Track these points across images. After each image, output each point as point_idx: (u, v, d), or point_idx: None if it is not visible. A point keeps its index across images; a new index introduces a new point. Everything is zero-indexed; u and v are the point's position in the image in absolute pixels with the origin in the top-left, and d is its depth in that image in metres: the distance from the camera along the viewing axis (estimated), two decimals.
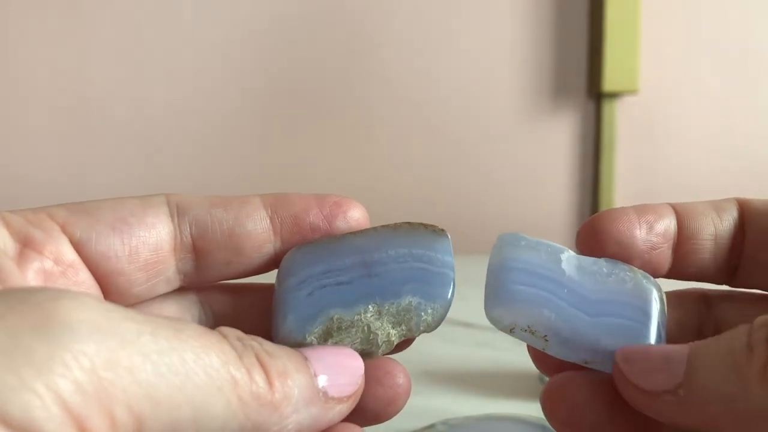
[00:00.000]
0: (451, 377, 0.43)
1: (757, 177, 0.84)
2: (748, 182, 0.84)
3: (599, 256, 0.21)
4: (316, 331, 0.20)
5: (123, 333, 0.14)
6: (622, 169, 0.84)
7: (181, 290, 0.22)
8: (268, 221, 0.21)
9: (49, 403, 0.12)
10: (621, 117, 0.83)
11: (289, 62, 0.83)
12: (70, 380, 0.13)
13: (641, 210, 0.22)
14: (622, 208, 0.22)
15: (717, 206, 0.22)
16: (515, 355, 0.47)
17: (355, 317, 0.20)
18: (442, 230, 0.22)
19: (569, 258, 0.21)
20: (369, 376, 0.19)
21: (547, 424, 0.28)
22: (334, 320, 0.20)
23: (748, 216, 0.22)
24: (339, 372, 0.18)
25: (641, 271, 0.21)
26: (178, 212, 0.21)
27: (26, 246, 0.18)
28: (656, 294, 0.21)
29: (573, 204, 0.86)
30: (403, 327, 0.20)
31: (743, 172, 0.85)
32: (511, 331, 0.21)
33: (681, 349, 0.18)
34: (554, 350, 0.20)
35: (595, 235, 0.21)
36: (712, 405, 0.16)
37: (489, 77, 0.84)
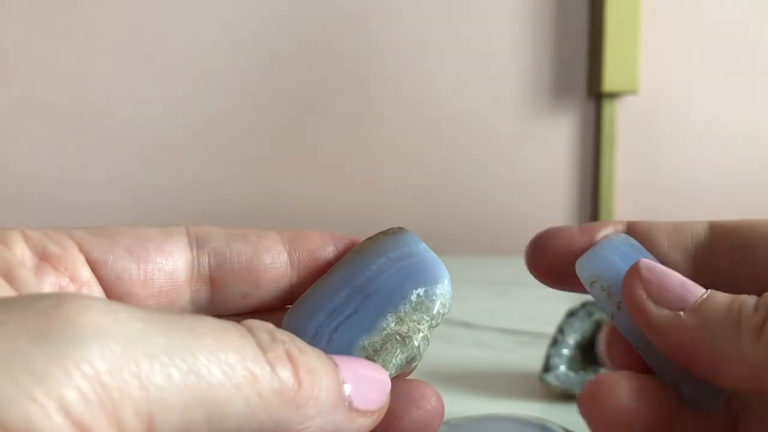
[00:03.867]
0: (451, 377, 0.43)
1: (757, 177, 0.84)
2: (747, 182, 0.84)
3: (542, 269, 0.22)
4: None
5: (129, 334, 0.13)
6: (622, 169, 0.84)
7: None
8: (286, 255, 0.21)
9: (51, 413, 0.12)
10: (621, 117, 0.83)
11: (290, 62, 0.83)
12: (72, 388, 0.12)
13: (585, 226, 0.22)
14: (566, 225, 0.23)
15: (677, 226, 0.22)
16: (515, 355, 0.47)
17: (383, 333, 0.20)
18: (400, 228, 0.22)
19: None
20: (406, 399, 0.19)
21: (546, 424, 0.28)
22: (367, 347, 0.20)
23: (719, 234, 0.22)
24: (366, 385, 0.17)
25: None
26: (197, 243, 0.21)
27: (43, 260, 0.18)
28: None
29: (573, 204, 0.86)
30: (426, 317, 0.21)
31: (743, 172, 0.85)
32: (591, 284, 0.21)
33: (698, 287, 0.19)
34: (621, 321, 0.21)
35: (535, 249, 0.22)
36: (703, 338, 0.18)
37: (489, 77, 0.84)
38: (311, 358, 0.16)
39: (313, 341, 0.20)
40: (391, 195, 0.85)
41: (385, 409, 0.18)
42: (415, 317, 0.20)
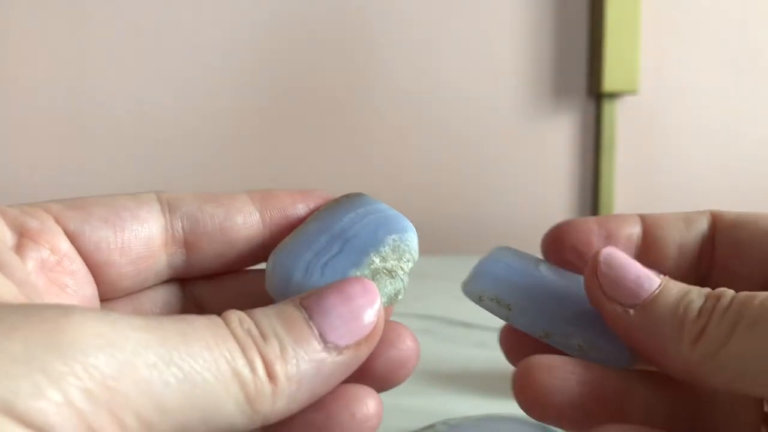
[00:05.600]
0: (451, 377, 0.43)
1: (757, 177, 0.84)
2: (747, 182, 0.84)
3: (561, 264, 0.23)
4: None
5: (131, 344, 0.14)
6: (622, 169, 0.84)
7: (168, 281, 0.22)
8: (258, 215, 0.22)
9: (64, 411, 0.13)
10: (621, 117, 0.83)
11: (289, 62, 0.83)
12: (82, 390, 0.13)
13: (603, 220, 0.23)
14: (585, 218, 0.23)
15: (687, 217, 0.23)
16: None
17: (371, 267, 0.21)
18: (358, 192, 0.23)
19: (549, 267, 0.23)
20: (382, 339, 0.19)
21: (547, 424, 0.28)
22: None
23: (719, 227, 0.23)
24: (350, 316, 0.18)
25: None
26: (169, 208, 0.21)
27: (23, 236, 0.19)
28: None
29: (573, 204, 0.86)
30: (404, 259, 0.22)
31: (743, 172, 0.85)
32: (479, 299, 0.22)
33: (653, 280, 0.20)
34: (516, 320, 0.22)
35: (554, 242, 0.23)
36: (648, 337, 0.19)
37: (489, 77, 0.84)
38: (276, 338, 0.16)
39: (305, 275, 0.20)
40: (390, 195, 0.85)
41: (381, 326, 0.18)
42: (394, 257, 0.22)
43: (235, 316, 0.17)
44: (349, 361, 0.17)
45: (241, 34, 0.82)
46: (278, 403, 0.16)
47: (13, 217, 0.19)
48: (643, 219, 0.23)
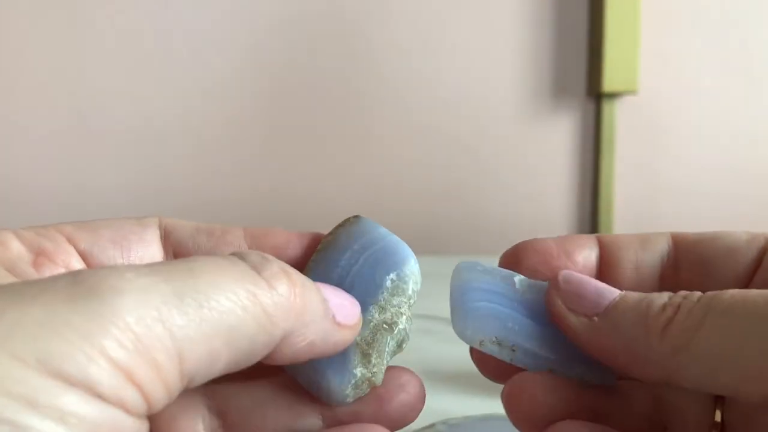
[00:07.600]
0: (451, 377, 0.43)
1: (757, 177, 0.84)
2: (747, 182, 0.84)
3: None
4: (359, 361, 0.21)
5: (142, 289, 0.15)
6: (621, 169, 0.84)
7: None
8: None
9: (99, 361, 0.14)
10: (621, 117, 0.83)
11: (289, 64, 0.83)
12: (112, 339, 0.14)
13: (561, 241, 0.23)
14: (544, 239, 0.23)
15: (644, 238, 0.23)
16: None
17: (371, 325, 0.21)
18: (355, 216, 0.23)
19: (521, 280, 0.23)
20: (393, 384, 0.21)
21: None
22: (360, 343, 0.21)
23: (681, 248, 0.23)
24: (342, 303, 0.19)
25: None
26: (165, 234, 0.23)
27: (39, 255, 0.20)
28: None
29: (573, 204, 0.86)
30: (404, 300, 0.21)
31: (743, 172, 0.85)
32: (480, 344, 0.22)
33: (612, 290, 0.20)
34: (521, 360, 0.22)
35: (512, 263, 0.23)
36: (615, 340, 0.19)
37: (489, 77, 0.84)
38: (300, 275, 0.18)
39: None
40: (391, 196, 0.85)
41: (358, 327, 0.20)
42: (394, 302, 0.21)
43: (253, 253, 0.18)
44: (340, 334, 0.19)
45: (241, 36, 0.82)
46: (297, 322, 0.17)
47: (29, 238, 0.20)
48: (600, 240, 0.23)
